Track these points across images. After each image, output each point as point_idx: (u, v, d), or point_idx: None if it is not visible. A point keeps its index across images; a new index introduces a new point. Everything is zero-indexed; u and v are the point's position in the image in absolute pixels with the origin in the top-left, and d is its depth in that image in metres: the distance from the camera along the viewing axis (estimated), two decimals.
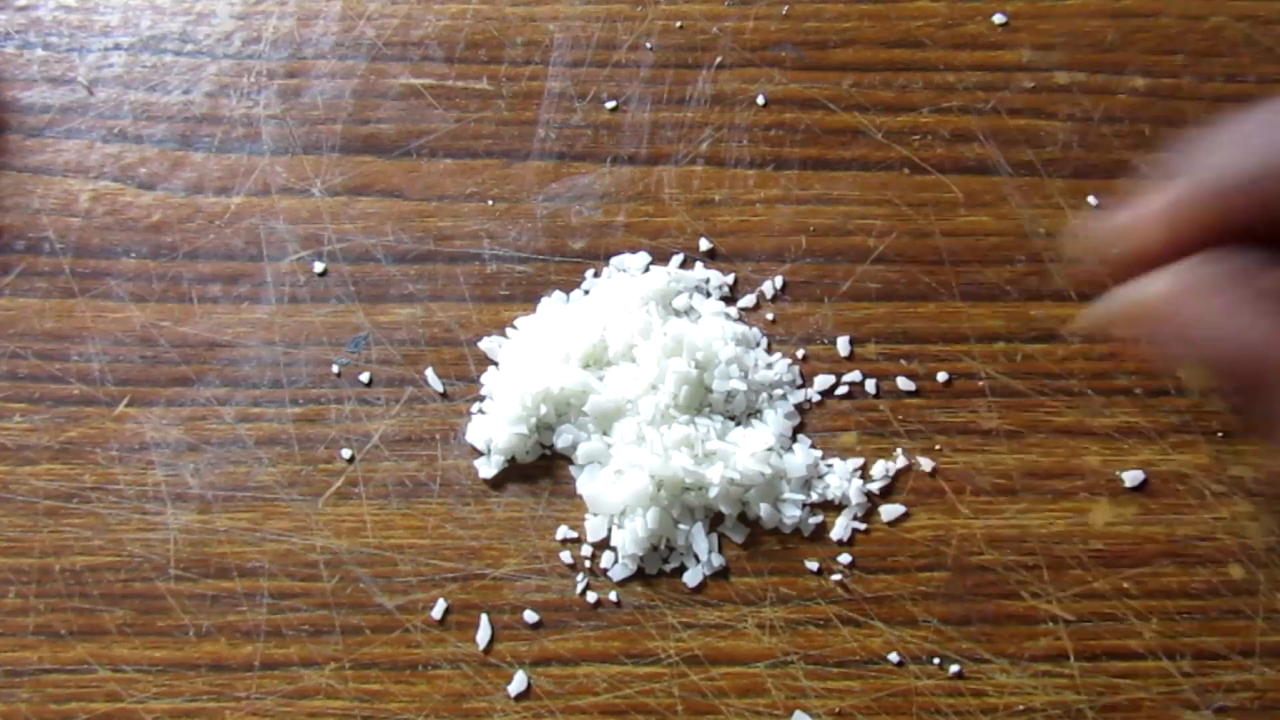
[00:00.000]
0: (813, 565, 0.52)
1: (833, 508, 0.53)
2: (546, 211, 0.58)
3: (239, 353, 0.55)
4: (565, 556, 0.52)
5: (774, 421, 0.53)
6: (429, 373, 0.55)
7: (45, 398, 0.54)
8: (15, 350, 0.55)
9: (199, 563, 0.52)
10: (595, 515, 0.52)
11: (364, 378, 0.55)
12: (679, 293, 0.56)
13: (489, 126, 0.59)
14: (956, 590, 0.51)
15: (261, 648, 0.51)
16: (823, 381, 0.54)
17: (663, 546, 0.52)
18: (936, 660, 0.50)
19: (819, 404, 0.55)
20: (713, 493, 0.51)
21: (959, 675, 0.50)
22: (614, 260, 0.57)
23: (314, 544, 0.52)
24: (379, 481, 0.53)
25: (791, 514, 0.52)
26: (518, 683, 0.50)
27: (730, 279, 0.56)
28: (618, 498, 0.51)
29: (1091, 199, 0.57)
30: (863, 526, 0.52)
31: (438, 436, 0.54)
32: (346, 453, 0.53)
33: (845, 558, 0.52)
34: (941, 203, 0.58)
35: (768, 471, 0.51)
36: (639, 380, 0.52)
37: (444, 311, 0.56)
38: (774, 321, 0.56)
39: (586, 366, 0.54)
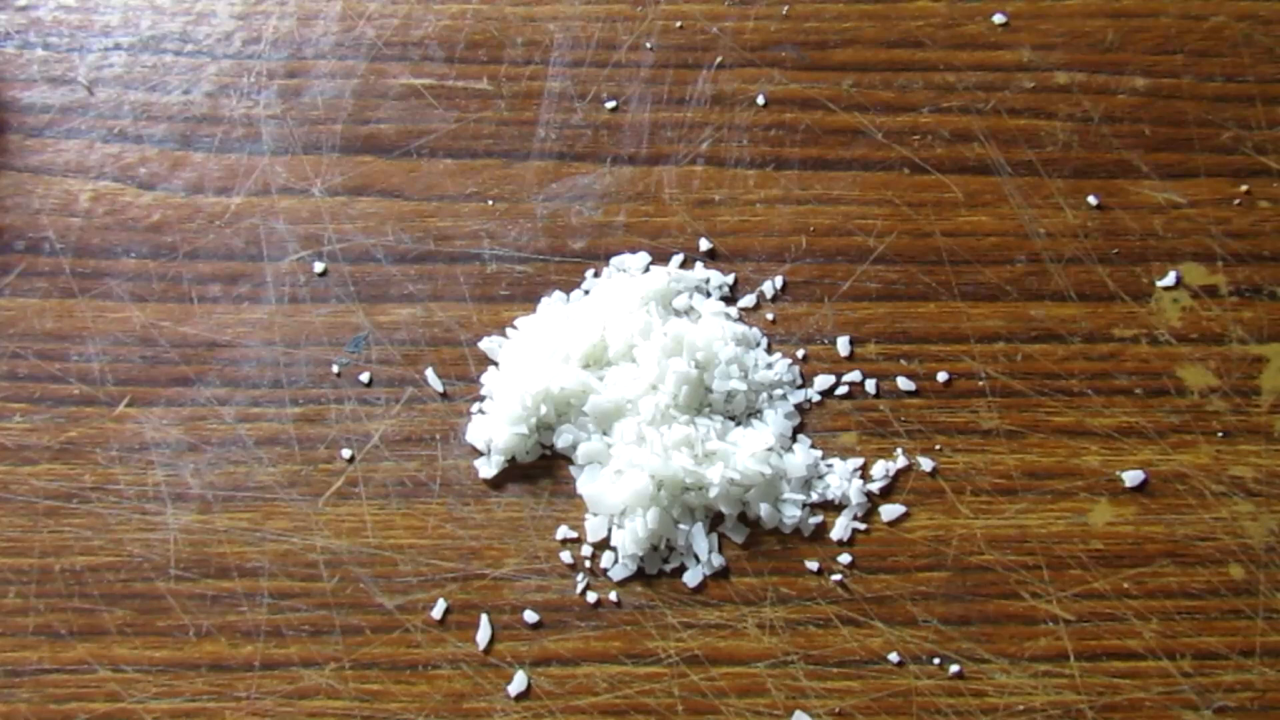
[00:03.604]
0: (813, 565, 0.52)
1: (833, 508, 0.53)
2: (546, 211, 0.58)
3: (239, 353, 0.55)
4: (565, 556, 0.52)
5: (774, 421, 0.53)
6: (429, 373, 0.55)
7: (45, 398, 0.54)
8: (15, 350, 0.55)
9: (199, 563, 0.52)
10: (595, 515, 0.52)
11: (364, 378, 0.55)
12: (679, 293, 0.56)
13: (489, 126, 0.59)
14: (956, 590, 0.51)
15: (261, 648, 0.51)
16: (823, 381, 0.54)
17: (663, 546, 0.52)
18: (936, 660, 0.50)
19: (819, 404, 0.55)
20: (713, 493, 0.51)
21: (959, 675, 0.50)
22: (614, 260, 0.57)
23: (314, 544, 0.52)
24: (379, 481, 0.53)
25: (791, 514, 0.52)
26: (518, 683, 0.50)
27: (730, 279, 0.56)
28: (618, 498, 0.51)
29: (1091, 199, 0.57)
30: (863, 526, 0.52)
31: (438, 436, 0.54)
32: (346, 453, 0.53)
33: (845, 558, 0.52)
34: (941, 203, 0.58)
35: (768, 471, 0.51)
36: (639, 380, 0.52)
37: (444, 311, 0.56)
38: (774, 321, 0.56)
39: (586, 366, 0.54)
